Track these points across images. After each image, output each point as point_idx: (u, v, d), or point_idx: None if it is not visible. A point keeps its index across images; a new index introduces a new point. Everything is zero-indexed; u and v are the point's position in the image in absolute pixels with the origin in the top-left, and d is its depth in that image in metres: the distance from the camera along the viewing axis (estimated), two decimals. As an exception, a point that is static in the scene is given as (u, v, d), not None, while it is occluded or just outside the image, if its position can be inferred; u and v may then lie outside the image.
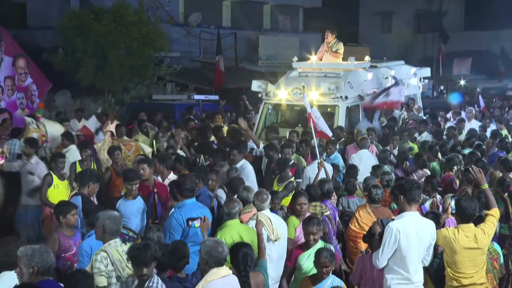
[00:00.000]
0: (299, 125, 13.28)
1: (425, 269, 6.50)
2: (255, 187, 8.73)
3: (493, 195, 7.01)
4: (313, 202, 8.28)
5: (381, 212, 8.00)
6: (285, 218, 7.87)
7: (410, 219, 6.20)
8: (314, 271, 6.47)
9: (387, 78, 14.68)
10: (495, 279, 6.97)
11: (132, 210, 7.82)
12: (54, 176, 9.19)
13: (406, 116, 14.55)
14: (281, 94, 13.29)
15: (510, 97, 23.41)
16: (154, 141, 11.63)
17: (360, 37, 35.32)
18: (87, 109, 18.98)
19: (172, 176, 8.98)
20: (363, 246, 7.55)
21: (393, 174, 9.84)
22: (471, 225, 6.49)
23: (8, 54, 13.32)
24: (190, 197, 7.28)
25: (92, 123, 12.50)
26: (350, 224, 8.27)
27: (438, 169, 10.82)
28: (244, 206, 7.59)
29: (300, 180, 9.69)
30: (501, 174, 10.13)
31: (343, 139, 12.41)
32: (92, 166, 9.84)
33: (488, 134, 13.67)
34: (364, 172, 10.08)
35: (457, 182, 9.76)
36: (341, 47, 14.51)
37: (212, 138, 12.25)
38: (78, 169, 9.63)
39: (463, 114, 16.34)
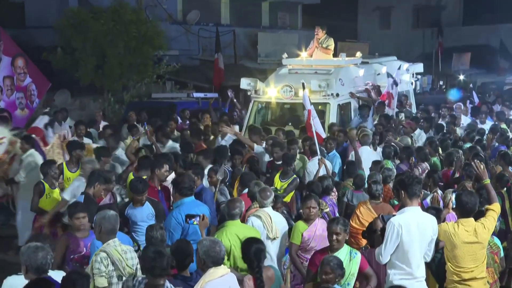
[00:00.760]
0: (289, 124, 13.03)
1: (427, 264, 6.50)
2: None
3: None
4: (314, 198, 8.31)
5: (382, 208, 7.99)
6: (287, 217, 7.84)
7: (412, 214, 6.21)
8: None
9: (379, 74, 14.41)
10: (496, 273, 6.98)
11: (142, 216, 7.61)
12: (46, 185, 8.94)
13: (403, 118, 14.05)
14: (271, 92, 12.96)
15: (506, 92, 23.35)
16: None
17: (359, 33, 35.32)
18: (87, 108, 19.01)
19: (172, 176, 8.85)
20: (363, 242, 7.54)
21: (394, 170, 9.81)
22: (471, 219, 6.50)
23: (7, 54, 13.29)
24: (189, 195, 7.28)
25: (41, 122, 11.46)
26: (350, 220, 8.22)
27: (439, 164, 10.83)
28: (252, 201, 7.65)
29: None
30: (501, 168, 10.15)
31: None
32: None
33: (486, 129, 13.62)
34: (365, 169, 10.07)
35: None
36: (331, 43, 14.24)
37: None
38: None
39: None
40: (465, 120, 15.09)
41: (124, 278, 5.93)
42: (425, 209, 7.20)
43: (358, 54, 14.52)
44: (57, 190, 9.08)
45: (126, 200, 8.42)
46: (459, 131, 13.76)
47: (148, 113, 14.42)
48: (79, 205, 7.04)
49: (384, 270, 6.34)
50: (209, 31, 24.30)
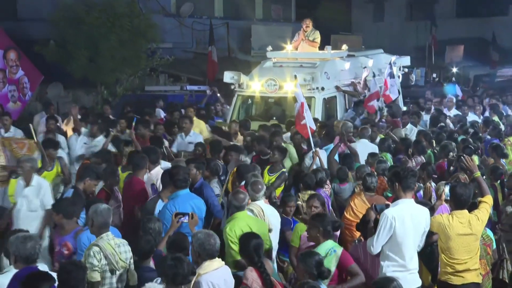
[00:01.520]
0: (274, 118, 12.82)
1: (420, 256, 6.53)
2: None
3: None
4: (308, 191, 8.32)
5: (376, 200, 8.00)
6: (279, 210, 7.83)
7: (405, 206, 6.23)
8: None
9: (365, 67, 14.16)
10: (488, 264, 7.03)
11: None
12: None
13: (385, 112, 13.73)
14: (255, 85, 12.72)
15: (497, 84, 23.37)
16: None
17: (352, 26, 35.28)
18: (79, 102, 18.93)
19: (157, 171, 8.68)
20: (357, 234, 7.55)
21: (389, 163, 9.82)
22: (465, 211, 6.52)
23: (-1, 47, 13.27)
24: (184, 188, 7.25)
25: None
26: (345, 212, 8.28)
27: (433, 157, 10.85)
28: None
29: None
30: (493, 161, 10.20)
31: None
32: None
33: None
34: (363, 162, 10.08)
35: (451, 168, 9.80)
36: (318, 36, 14.01)
37: None
38: None
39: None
40: (456, 113, 15.10)
41: (117, 272, 5.93)
42: (418, 202, 7.24)
43: (344, 47, 14.27)
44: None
45: None
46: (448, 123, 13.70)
47: (141, 106, 14.33)
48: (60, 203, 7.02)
49: (378, 262, 6.36)
50: (203, 24, 24.24)
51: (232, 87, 13.26)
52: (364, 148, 10.60)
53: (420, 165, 9.50)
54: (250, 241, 5.91)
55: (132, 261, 6.13)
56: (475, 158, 10.09)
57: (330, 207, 8.72)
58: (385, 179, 8.71)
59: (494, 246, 7.22)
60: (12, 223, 8.12)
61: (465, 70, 28.21)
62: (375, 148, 10.69)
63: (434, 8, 33.38)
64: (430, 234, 6.55)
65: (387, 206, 6.45)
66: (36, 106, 17.18)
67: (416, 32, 33.56)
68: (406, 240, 6.17)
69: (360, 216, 7.31)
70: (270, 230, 7.09)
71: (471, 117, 14.71)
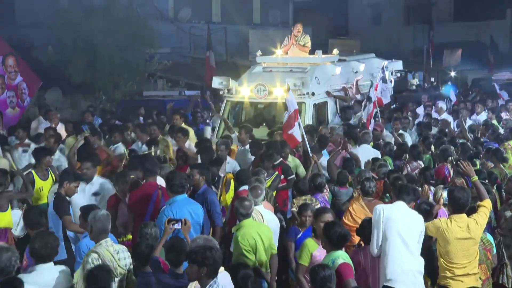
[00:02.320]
0: (263, 124, 12.62)
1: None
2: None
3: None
4: (302, 196, 8.31)
5: (375, 205, 7.94)
6: (280, 218, 7.86)
7: (397, 206, 6.53)
8: None
9: (356, 72, 13.92)
10: (489, 269, 7.02)
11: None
12: None
13: (362, 117, 12.90)
14: (244, 91, 12.36)
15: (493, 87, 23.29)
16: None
17: (350, 30, 35.33)
18: (78, 107, 18.95)
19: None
20: (357, 239, 7.55)
21: (389, 166, 9.81)
22: (464, 215, 6.53)
23: (-3, 53, 13.28)
24: (180, 193, 7.20)
25: None
26: (343, 217, 8.24)
27: (432, 161, 10.83)
28: None
29: (292, 176, 9.58)
30: (492, 165, 10.21)
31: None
32: None
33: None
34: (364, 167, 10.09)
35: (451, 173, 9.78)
36: (308, 40, 13.73)
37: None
38: None
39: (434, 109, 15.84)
40: (447, 117, 14.98)
41: (116, 279, 5.92)
42: (418, 203, 7.30)
43: (335, 51, 13.98)
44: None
45: None
46: (435, 130, 13.49)
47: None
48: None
49: (378, 265, 6.36)
50: (200, 29, 24.26)
51: (221, 92, 12.97)
52: (366, 153, 10.57)
53: (419, 170, 9.50)
54: (238, 272, 5.79)
55: (131, 267, 6.12)
56: (477, 162, 10.13)
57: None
58: (387, 182, 8.70)
59: (495, 251, 7.21)
60: None
61: (463, 73, 28.24)
62: (377, 153, 10.67)
63: (432, 12, 33.46)
64: (428, 238, 6.58)
65: None
66: (34, 112, 17.19)
67: (413, 36, 33.63)
68: (407, 239, 6.27)
69: (359, 221, 7.30)
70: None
71: (469, 122, 14.65)
